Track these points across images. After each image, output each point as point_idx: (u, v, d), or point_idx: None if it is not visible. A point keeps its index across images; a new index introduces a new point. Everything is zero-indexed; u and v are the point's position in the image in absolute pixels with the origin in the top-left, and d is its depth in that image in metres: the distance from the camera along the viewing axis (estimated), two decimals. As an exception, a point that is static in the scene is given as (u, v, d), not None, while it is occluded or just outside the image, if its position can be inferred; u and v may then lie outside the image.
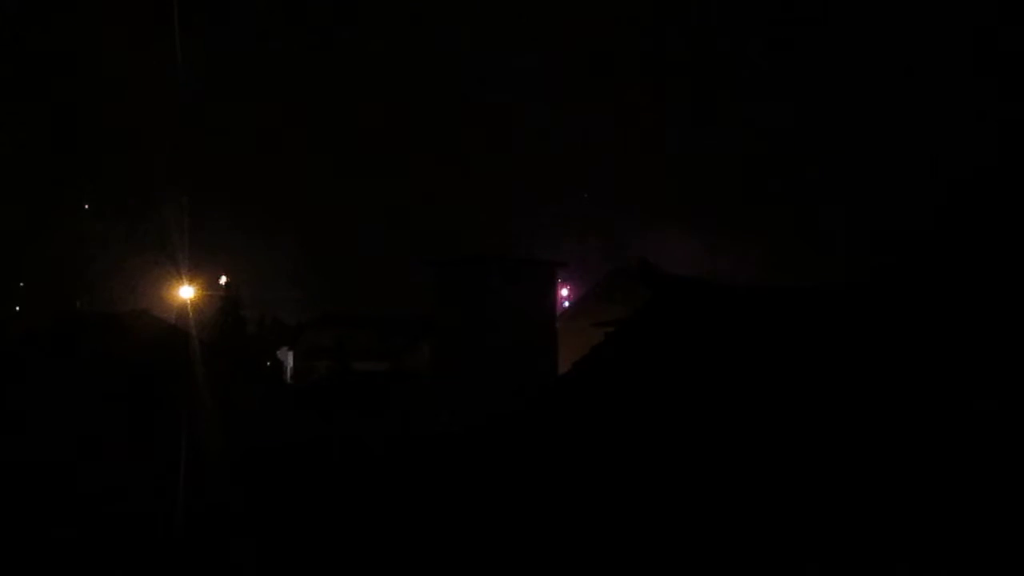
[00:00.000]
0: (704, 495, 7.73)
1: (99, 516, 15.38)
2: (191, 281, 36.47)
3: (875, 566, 6.31)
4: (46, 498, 15.47)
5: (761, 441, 7.99)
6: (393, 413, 24.09)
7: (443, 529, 9.29)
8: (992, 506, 6.29)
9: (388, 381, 28.78)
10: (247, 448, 18.17)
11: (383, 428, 23.14)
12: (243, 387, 20.95)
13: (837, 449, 7.48)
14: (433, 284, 33.31)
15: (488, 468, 10.16)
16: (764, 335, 9.94)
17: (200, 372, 19.06)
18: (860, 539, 6.51)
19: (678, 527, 7.58)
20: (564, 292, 41.66)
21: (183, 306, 34.22)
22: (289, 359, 47.88)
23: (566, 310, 38.52)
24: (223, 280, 47.04)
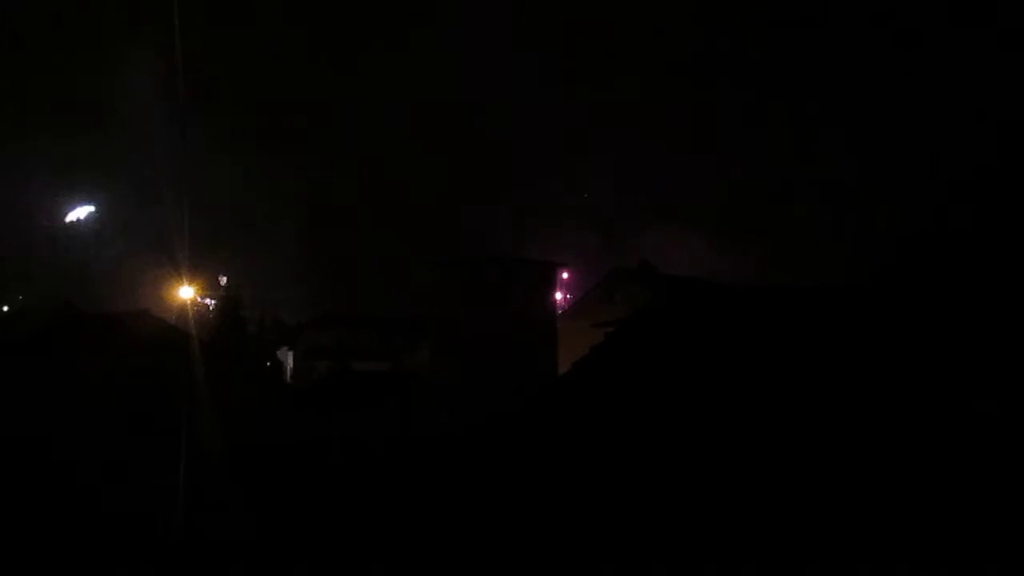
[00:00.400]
0: (704, 494, 7.73)
1: (100, 514, 15.39)
2: (191, 281, 36.47)
3: (875, 566, 6.31)
4: (46, 497, 15.48)
5: (761, 441, 7.99)
6: (393, 413, 24.08)
7: (443, 529, 9.29)
8: (992, 506, 6.30)
9: (388, 381, 28.77)
10: (247, 447, 18.17)
11: (383, 428, 23.13)
12: (243, 387, 20.94)
13: (837, 448, 7.48)
14: (433, 284, 33.37)
15: (488, 468, 10.16)
16: (764, 335, 9.94)
17: (200, 372, 19.03)
18: (860, 538, 6.51)
19: (678, 526, 7.58)
20: (563, 294, 41.70)
21: (183, 306, 34.21)
22: (289, 359, 47.86)
23: (566, 310, 38.53)
24: (223, 280, 47.10)
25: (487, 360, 29.46)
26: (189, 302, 34.37)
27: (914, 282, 10.56)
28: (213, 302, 45.79)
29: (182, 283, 35.91)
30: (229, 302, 44.62)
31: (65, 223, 78.68)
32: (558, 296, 37.64)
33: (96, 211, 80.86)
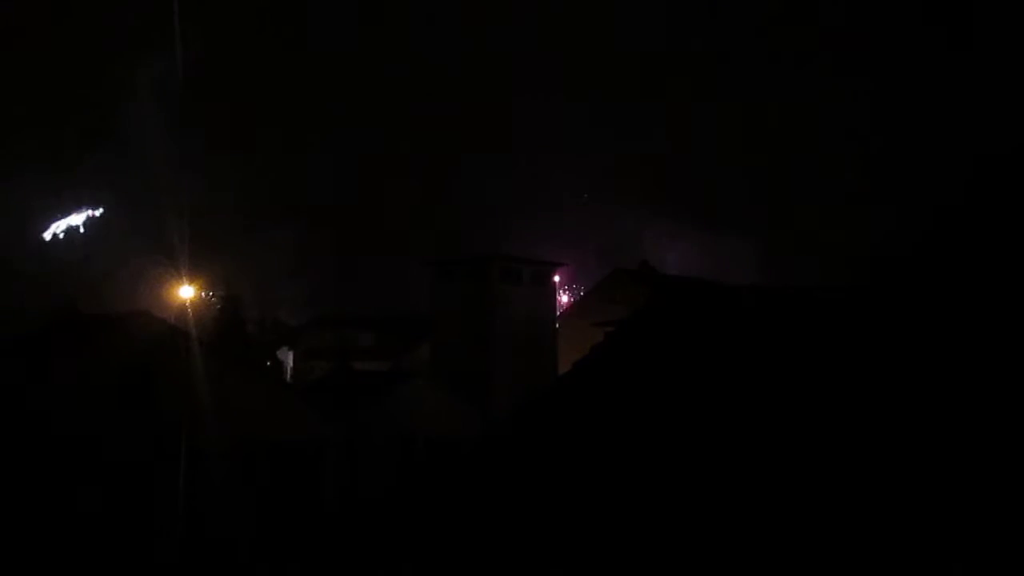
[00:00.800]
0: (704, 494, 7.73)
1: (100, 514, 15.38)
2: (191, 281, 36.44)
3: (875, 565, 6.31)
4: (47, 496, 15.47)
5: (761, 441, 7.99)
6: (393, 413, 24.07)
7: (443, 529, 9.29)
8: (992, 506, 6.29)
9: (388, 381, 28.76)
10: (247, 447, 18.16)
11: (383, 428, 23.12)
12: (243, 387, 20.92)
13: (836, 449, 7.48)
14: (433, 284, 33.39)
15: (488, 468, 10.16)
16: (764, 335, 9.94)
17: (200, 372, 19.02)
18: (859, 538, 6.51)
19: (678, 526, 7.58)
20: (563, 294, 41.72)
21: (183, 306, 34.18)
22: (289, 359, 47.85)
23: (566, 310, 38.53)
24: (223, 281, 47.11)
25: (487, 360, 29.50)
26: (190, 302, 34.35)
27: (914, 282, 10.55)
28: (214, 300, 45.81)
29: (182, 283, 35.90)
30: (229, 302, 44.60)
31: (65, 223, 78.75)
32: (559, 296, 37.68)
33: (96, 211, 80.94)
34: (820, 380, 8.58)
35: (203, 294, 41.70)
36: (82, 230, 79.16)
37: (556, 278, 34.94)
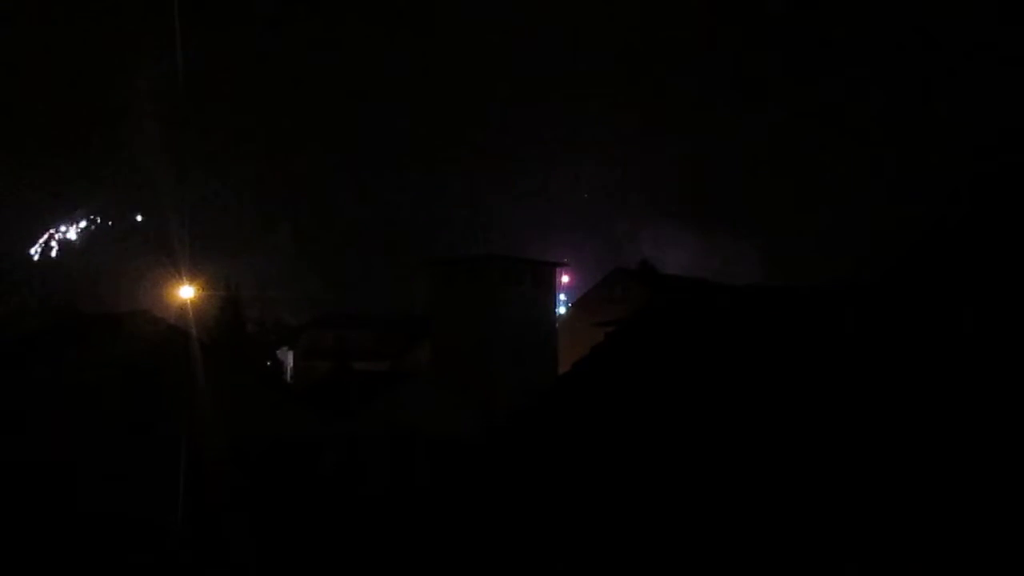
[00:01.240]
0: (704, 495, 7.73)
1: (99, 514, 15.38)
2: (191, 281, 36.49)
3: (874, 565, 6.31)
4: (47, 496, 15.47)
5: (761, 441, 7.99)
6: (393, 413, 24.08)
7: (443, 529, 9.28)
8: (993, 506, 6.29)
9: (388, 381, 28.76)
10: (247, 447, 18.16)
11: (383, 428, 23.12)
12: (243, 387, 20.92)
13: (837, 449, 7.48)
14: (433, 284, 33.42)
15: (488, 468, 10.16)
16: (764, 335, 9.94)
17: (200, 372, 19.02)
18: (859, 538, 6.51)
19: (678, 527, 7.58)
20: (562, 293, 41.72)
21: (183, 306, 34.22)
22: (289, 359, 47.87)
23: (566, 309, 38.55)
24: (223, 281, 47.11)
25: (487, 359, 29.52)
26: (190, 302, 34.38)
27: (915, 282, 10.55)
28: (214, 300, 45.88)
29: (182, 283, 35.94)
30: (229, 302, 44.62)
31: (65, 223, 78.75)
32: (559, 296, 37.68)
33: (96, 212, 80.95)
34: (820, 380, 8.57)
35: (204, 294, 41.73)
36: (80, 232, 79.21)
37: (556, 278, 34.98)
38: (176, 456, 16.74)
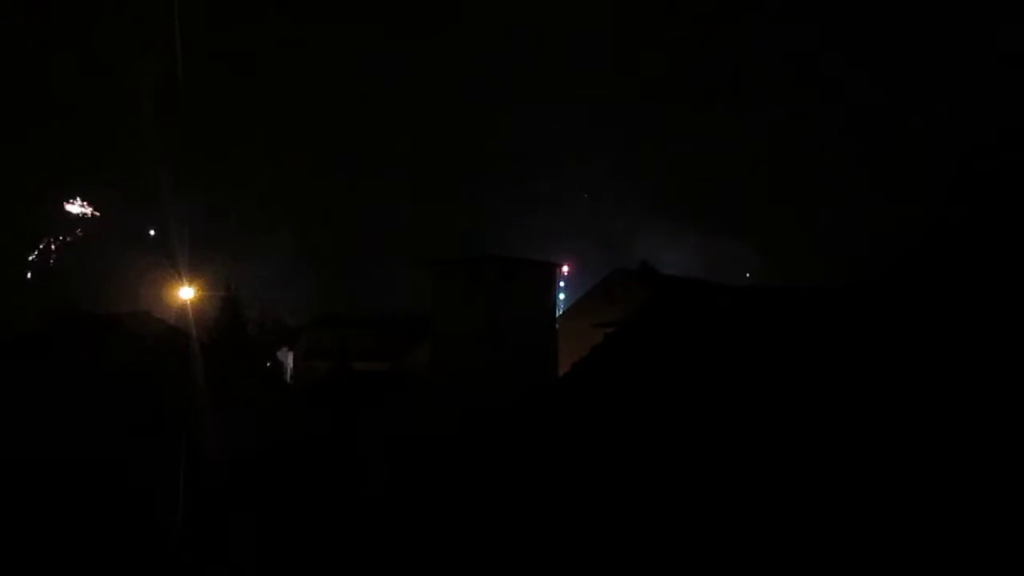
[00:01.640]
0: (703, 494, 7.73)
1: (99, 515, 15.38)
2: (191, 282, 36.49)
3: (873, 564, 6.31)
4: (48, 497, 15.47)
5: (760, 441, 7.99)
6: (393, 413, 24.08)
7: (443, 529, 9.28)
8: (992, 505, 6.29)
9: (388, 381, 28.77)
10: (247, 448, 18.16)
11: (383, 428, 23.13)
12: (243, 387, 20.92)
13: (836, 448, 7.48)
14: (432, 284, 33.39)
15: (488, 468, 10.16)
16: (764, 336, 9.94)
17: (200, 372, 19.02)
18: (858, 537, 6.51)
19: (677, 526, 7.58)
20: (562, 293, 41.73)
21: (183, 306, 34.22)
22: (289, 359, 47.84)
23: (566, 310, 38.54)
24: (223, 281, 47.13)
25: (487, 360, 29.47)
26: (189, 302, 34.38)
27: (915, 282, 10.55)
28: (214, 300, 45.89)
29: (182, 283, 35.95)
30: (229, 302, 44.60)
31: (65, 223, 78.77)
32: (559, 296, 37.65)
33: (96, 212, 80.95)
34: (819, 380, 8.58)
35: (204, 294, 41.73)
36: (80, 232, 79.19)
37: (556, 278, 34.94)
38: (176, 456, 16.73)
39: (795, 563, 6.75)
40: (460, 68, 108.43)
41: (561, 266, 37.08)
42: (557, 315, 33.68)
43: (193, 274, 37.96)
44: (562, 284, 44.33)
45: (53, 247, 77.44)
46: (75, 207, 79.63)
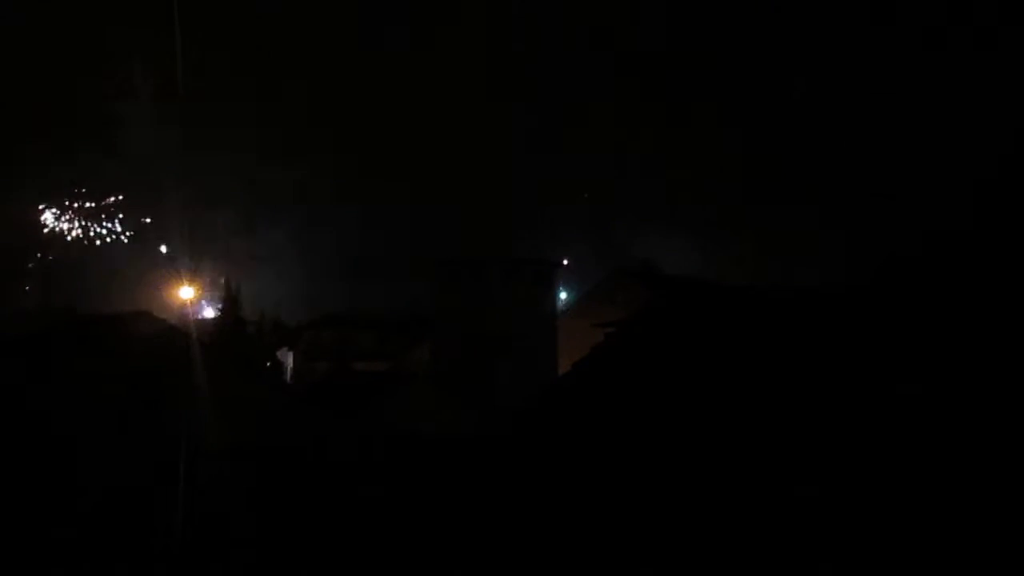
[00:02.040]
0: (704, 495, 7.74)
1: (99, 516, 15.38)
2: (191, 282, 36.57)
3: (873, 564, 6.32)
4: (47, 498, 15.48)
5: (761, 442, 8.00)
6: (393, 413, 24.08)
7: (444, 531, 9.29)
8: (991, 507, 6.30)
9: (388, 381, 28.77)
10: (247, 448, 18.17)
11: (383, 428, 23.13)
12: (243, 387, 20.93)
13: (836, 449, 7.48)
14: (433, 284, 33.42)
15: (489, 468, 10.17)
16: (764, 336, 9.95)
17: (200, 372, 19.04)
18: (858, 537, 6.51)
19: (678, 528, 7.59)
20: (563, 293, 41.70)
21: (183, 306, 34.28)
22: (289, 359, 47.86)
23: (566, 310, 38.54)
24: (223, 281, 47.16)
25: (487, 360, 29.52)
26: (189, 302, 34.42)
27: (914, 282, 10.55)
28: (214, 300, 45.92)
29: (182, 283, 35.99)
30: (229, 302, 44.67)
31: (65, 223, 78.82)
32: (560, 296, 37.65)
33: (96, 212, 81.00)
34: (819, 381, 8.58)
35: (204, 295, 41.81)
36: (80, 232, 79.23)
37: (556, 278, 34.93)
38: (176, 456, 16.73)
39: (794, 562, 6.75)
40: (459, 67, 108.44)
41: (561, 266, 37.09)
42: (557, 315, 33.70)
43: (193, 274, 38.03)
44: (562, 284, 44.35)
45: (54, 244, 77.52)
46: (76, 207, 79.80)
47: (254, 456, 18.09)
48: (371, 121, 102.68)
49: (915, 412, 7.52)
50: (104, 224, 78.57)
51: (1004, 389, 7.35)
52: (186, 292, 35.01)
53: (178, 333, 21.37)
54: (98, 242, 77.56)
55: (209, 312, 42.99)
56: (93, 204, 78.08)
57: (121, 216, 78.13)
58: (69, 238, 77.91)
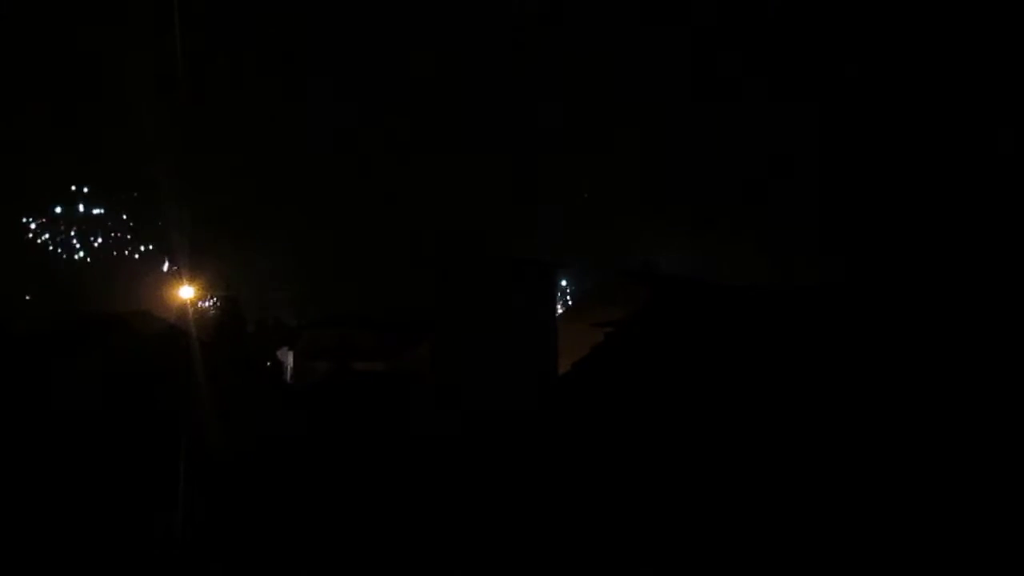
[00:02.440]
0: (704, 493, 7.75)
1: (100, 514, 15.40)
2: (191, 282, 36.50)
3: (872, 563, 6.33)
4: (48, 495, 15.49)
5: (759, 439, 8.01)
6: (393, 413, 24.08)
7: (445, 528, 9.30)
8: (989, 504, 6.31)
9: (388, 381, 28.75)
10: (247, 447, 18.19)
11: (383, 428, 23.14)
12: (243, 387, 20.94)
13: (835, 446, 7.50)
14: (433, 284, 33.38)
15: (489, 468, 10.18)
16: (764, 335, 9.96)
17: (200, 372, 19.05)
18: (857, 536, 6.52)
19: (678, 524, 7.60)
20: (563, 293, 41.70)
21: (183, 306, 34.23)
22: (289, 359, 47.82)
23: (566, 310, 38.56)
24: (223, 281, 47.18)
25: (487, 360, 29.47)
26: (189, 302, 34.38)
27: (914, 282, 10.56)
28: (214, 300, 45.86)
29: (182, 283, 35.96)
30: (229, 302, 44.63)
31: (65, 223, 78.79)
32: (558, 297, 37.64)
33: (96, 211, 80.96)
34: (819, 379, 8.59)
35: (204, 294, 41.78)
36: (80, 232, 79.21)
37: (556, 278, 34.90)
38: (176, 455, 16.75)
39: (793, 560, 6.77)
40: (459, 65, 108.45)
41: (561, 266, 37.08)
42: (557, 315, 33.68)
43: (193, 274, 38.03)
44: (562, 284, 44.34)
45: (54, 244, 77.49)
46: (76, 207, 79.75)
47: (254, 456, 18.11)
48: (371, 119, 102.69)
49: (913, 410, 7.53)
50: (104, 225, 78.62)
51: (1000, 387, 7.37)
52: (186, 292, 34.96)
53: (178, 333, 21.37)
54: (98, 242, 77.59)
55: (209, 312, 42.98)
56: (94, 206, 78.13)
57: (123, 217, 78.19)
58: (70, 239, 77.93)
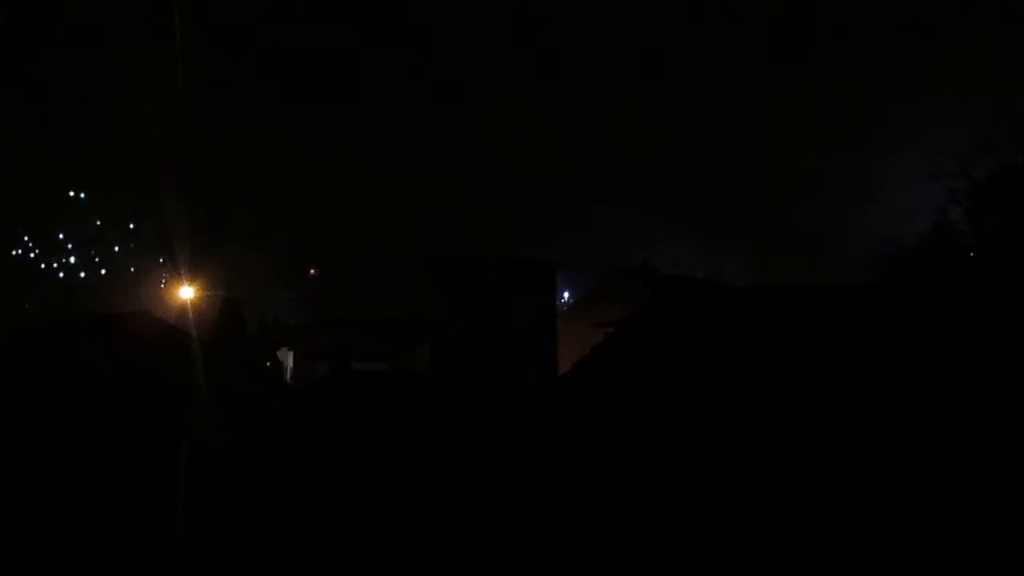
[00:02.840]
0: (704, 495, 7.74)
1: (99, 514, 15.39)
2: (191, 282, 36.51)
3: (872, 564, 6.32)
4: (48, 497, 15.48)
5: (760, 442, 8.00)
6: (393, 413, 24.08)
7: (444, 530, 9.29)
8: (990, 505, 6.30)
9: (388, 381, 28.77)
10: (247, 448, 18.18)
11: (383, 429, 23.14)
12: (243, 387, 20.93)
13: (836, 449, 7.48)
14: (432, 285, 33.34)
15: (489, 468, 10.16)
16: (764, 336, 9.94)
17: (200, 372, 19.03)
18: (857, 537, 6.51)
19: (678, 527, 7.58)
20: (564, 293, 41.74)
21: (183, 306, 34.24)
22: (289, 359, 47.85)
23: (566, 310, 38.55)
24: (223, 281, 47.20)
25: (487, 360, 29.45)
26: (189, 302, 34.38)
27: (914, 282, 10.56)
28: (215, 305, 45.95)
29: (182, 283, 35.96)
30: (229, 302, 44.65)
31: (64, 223, 78.77)
32: (560, 296, 37.64)
33: (96, 211, 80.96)
34: (818, 380, 8.58)
35: (204, 295, 41.76)
36: (80, 232, 79.20)
37: (555, 278, 34.84)
38: (176, 456, 16.73)
39: (795, 564, 6.75)
40: (460, 67, 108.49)
41: (561, 266, 37.04)
42: (557, 315, 33.67)
43: (193, 274, 38.03)
44: (562, 284, 44.32)
45: (53, 244, 77.48)
46: (77, 207, 79.75)
47: (254, 456, 18.10)
48: (371, 120, 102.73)
49: (913, 412, 7.52)
50: (104, 226, 78.64)
51: (1004, 390, 7.36)
52: (186, 292, 34.94)
53: (178, 333, 21.36)
54: (98, 244, 77.62)
55: (209, 312, 43.01)
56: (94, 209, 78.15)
57: (123, 217, 78.23)
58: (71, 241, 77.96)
